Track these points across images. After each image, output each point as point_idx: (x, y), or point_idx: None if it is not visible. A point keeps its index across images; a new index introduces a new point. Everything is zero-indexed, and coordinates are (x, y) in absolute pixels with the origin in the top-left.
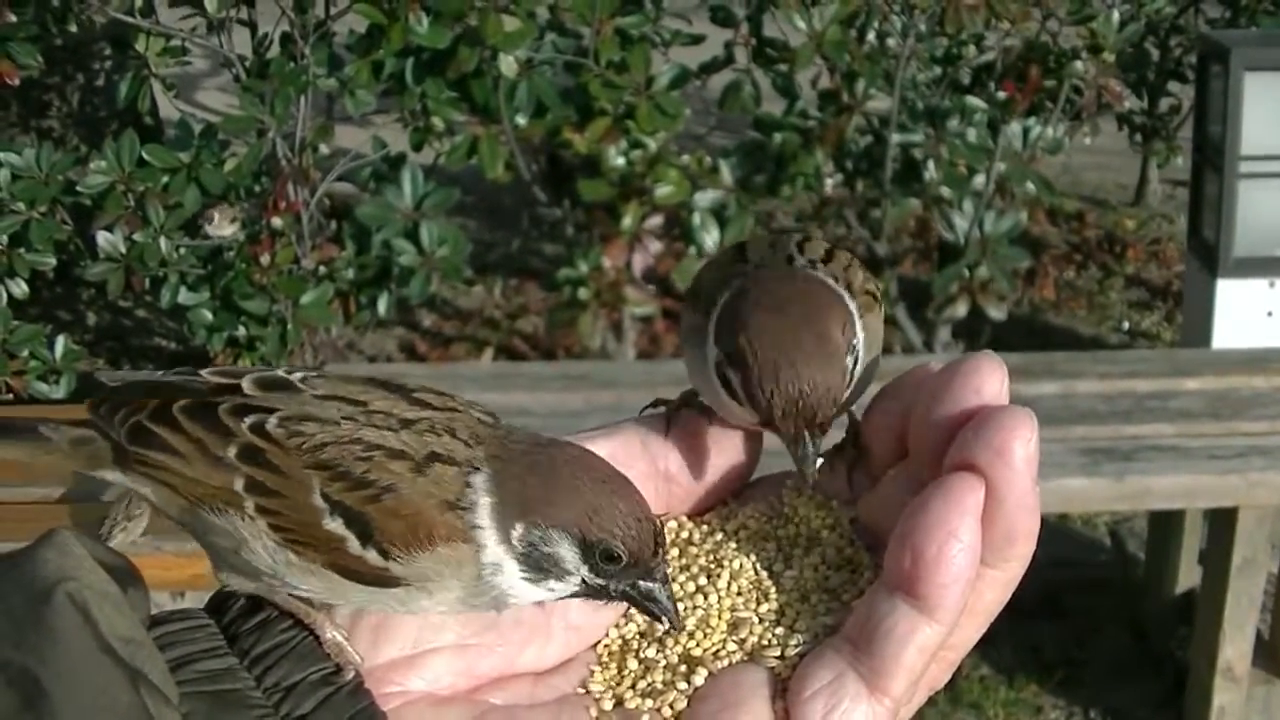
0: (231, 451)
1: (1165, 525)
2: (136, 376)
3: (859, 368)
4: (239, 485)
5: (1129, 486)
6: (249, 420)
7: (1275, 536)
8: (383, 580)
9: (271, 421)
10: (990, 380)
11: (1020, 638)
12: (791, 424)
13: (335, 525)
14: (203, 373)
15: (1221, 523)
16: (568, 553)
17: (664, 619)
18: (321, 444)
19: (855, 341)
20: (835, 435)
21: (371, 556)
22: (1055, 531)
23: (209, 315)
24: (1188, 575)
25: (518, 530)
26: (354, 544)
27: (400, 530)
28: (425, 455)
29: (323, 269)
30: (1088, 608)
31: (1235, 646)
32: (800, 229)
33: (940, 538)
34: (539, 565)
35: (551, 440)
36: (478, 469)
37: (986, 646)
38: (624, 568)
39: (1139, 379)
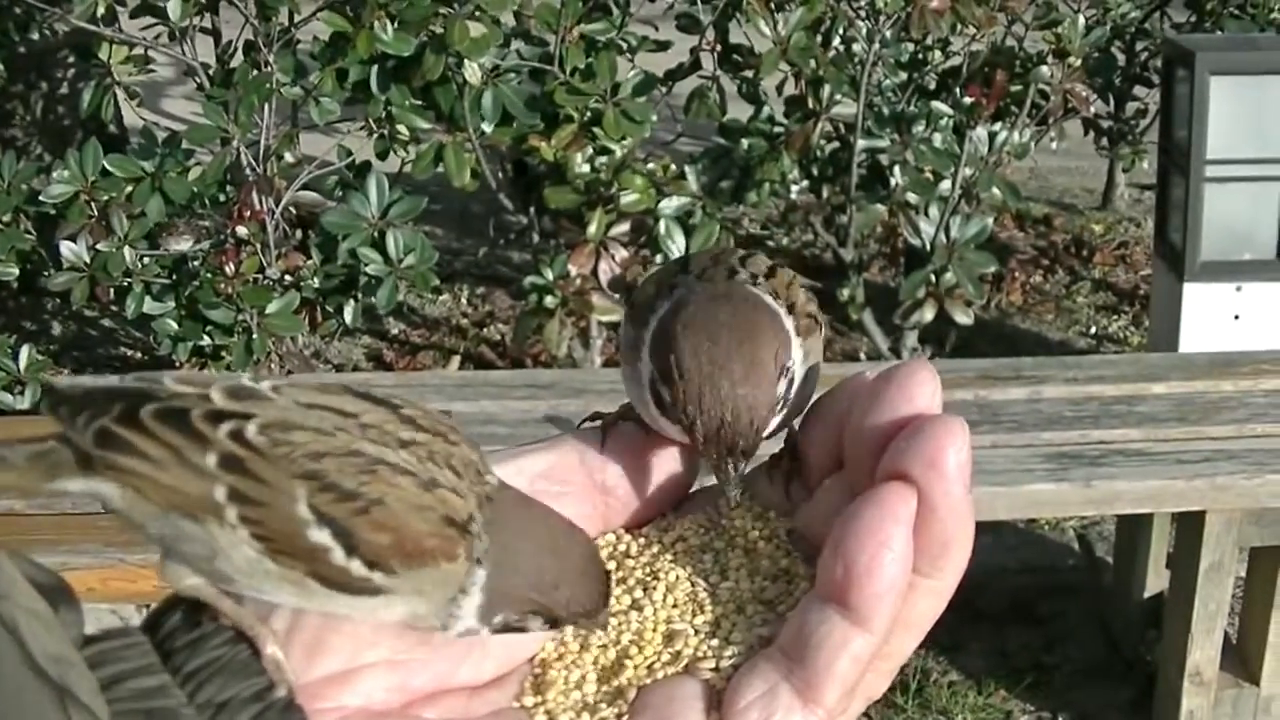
0: (210, 459)
1: (1133, 529)
2: (96, 383)
3: (793, 391)
4: (220, 494)
5: (1097, 491)
6: (226, 426)
7: (1243, 540)
8: (363, 590)
9: (250, 429)
10: (923, 389)
11: (989, 643)
12: (714, 450)
13: (321, 536)
14: (166, 379)
15: (1189, 527)
16: (535, 626)
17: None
18: (315, 454)
19: (789, 364)
20: (773, 445)
21: (355, 568)
22: (1023, 536)
23: (174, 325)
24: (1156, 579)
25: (499, 618)
26: (338, 555)
27: (388, 543)
28: (429, 480)
29: (288, 278)
30: (1056, 612)
31: (1203, 651)
32: (767, 234)
33: (871, 547)
34: (506, 629)
35: (538, 510)
36: (483, 550)
37: (955, 652)
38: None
39: (1106, 383)
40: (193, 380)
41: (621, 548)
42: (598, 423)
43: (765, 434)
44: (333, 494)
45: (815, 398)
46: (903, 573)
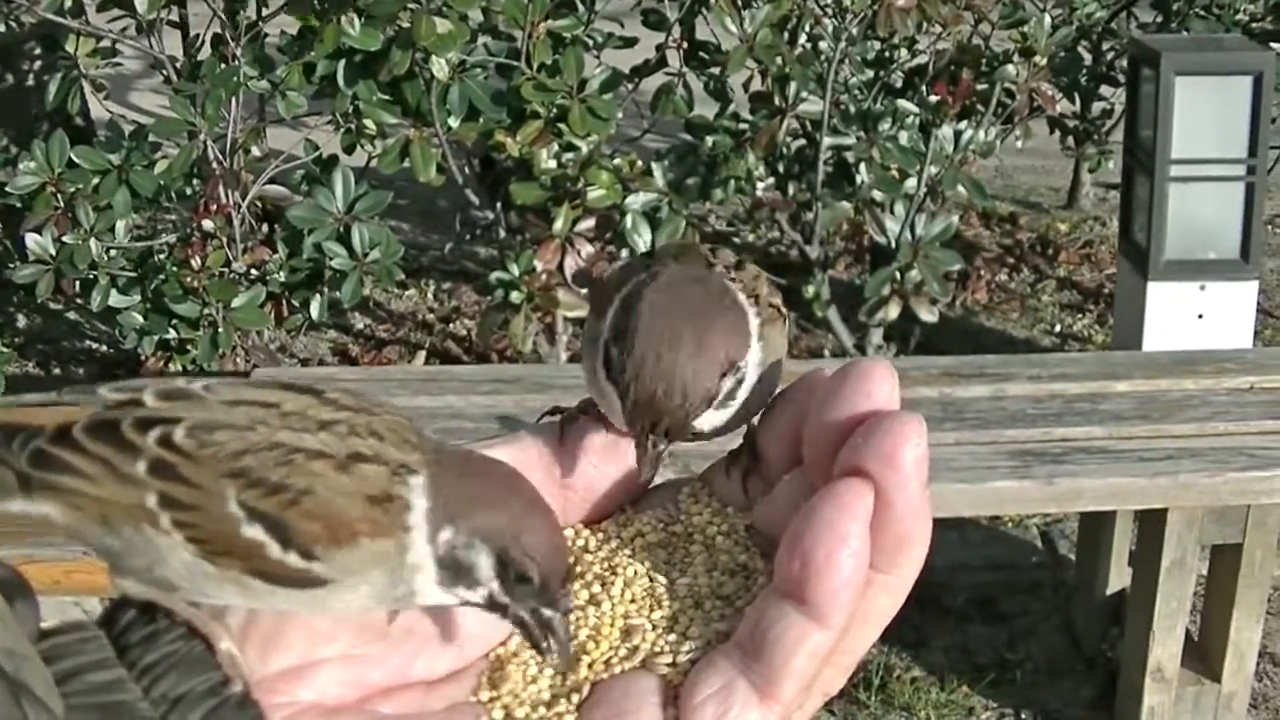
0: (140, 467)
1: (1096, 527)
2: (30, 401)
3: (740, 391)
4: (151, 501)
5: (1060, 488)
6: (155, 433)
7: (1205, 538)
8: (304, 582)
9: (179, 433)
10: (881, 385)
11: (951, 639)
12: (639, 421)
13: (254, 532)
14: (101, 390)
15: (1151, 524)
16: (484, 564)
17: (555, 653)
18: (236, 452)
19: (741, 364)
20: (733, 440)
21: (293, 560)
22: (986, 534)
23: (140, 318)
24: (1118, 577)
25: (445, 534)
26: (274, 549)
27: (320, 531)
28: (348, 455)
29: (254, 272)
30: (1019, 609)
31: (1165, 648)
32: (733, 231)
33: (829, 543)
34: (455, 571)
35: (481, 455)
36: (415, 471)
37: (918, 648)
38: (532, 592)
39: (1070, 381)
40: (126, 388)
41: (580, 543)
42: (557, 417)
43: (694, 420)
44: (261, 489)
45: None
46: (860, 568)
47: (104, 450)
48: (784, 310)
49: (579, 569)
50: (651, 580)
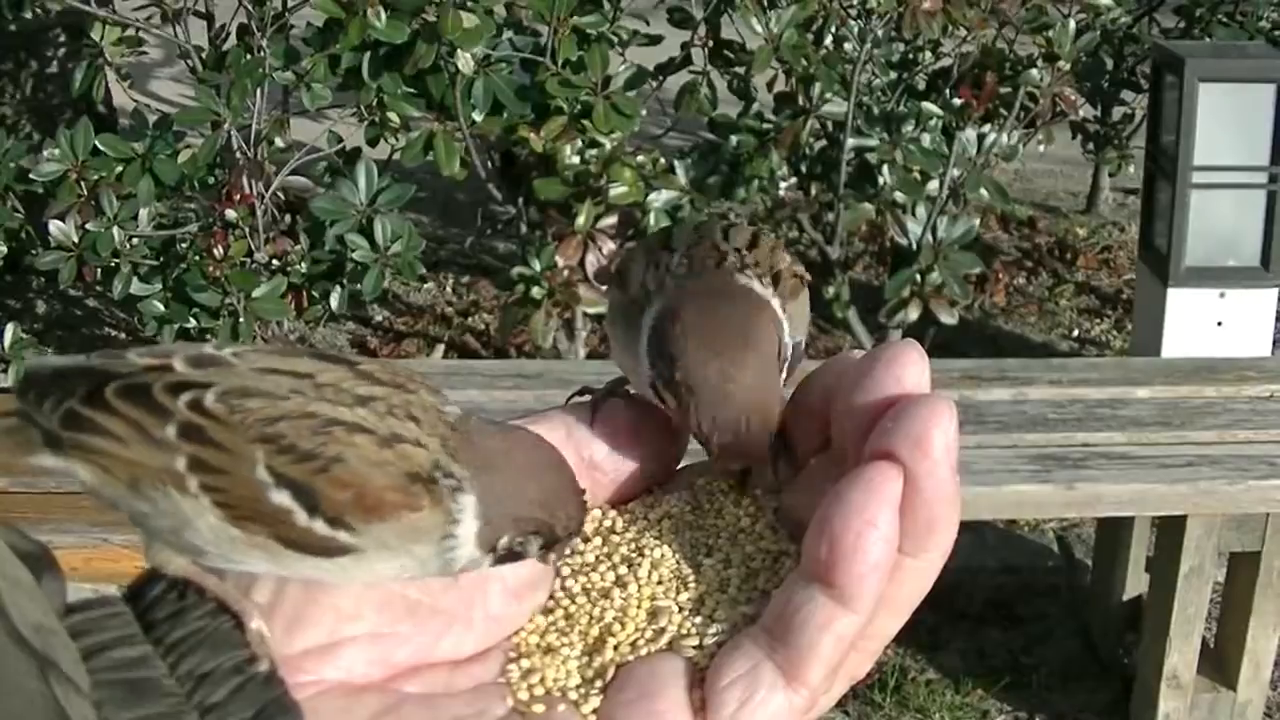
0: (170, 430)
1: (1113, 532)
2: (63, 363)
3: (787, 368)
4: (181, 464)
5: (1079, 493)
6: (186, 397)
7: (1223, 545)
8: (331, 550)
9: (209, 397)
10: (911, 368)
11: (967, 642)
12: (730, 459)
13: (281, 498)
14: (129, 354)
15: (1169, 531)
16: (534, 548)
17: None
18: (269, 418)
19: (785, 347)
20: None
21: (319, 527)
22: (1003, 537)
23: (160, 306)
24: (1135, 583)
25: (503, 541)
26: (300, 515)
27: (349, 500)
28: (388, 435)
29: (276, 263)
30: (1035, 613)
31: (1181, 655)
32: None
33: (857, 526)
34: (507, 558)
35: (509, 428)
36: (459, 474)
37: (933, 651)
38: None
39: (1090, 386)
40: (156, 353)
41: (607, 523)
42: (586, 398)
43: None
44: (290, 455)
45: (802, 378)
46: (888, 552)
47: (135, 412)
48: (806, 276)
49: (606, 550)
50: (679, 562)
